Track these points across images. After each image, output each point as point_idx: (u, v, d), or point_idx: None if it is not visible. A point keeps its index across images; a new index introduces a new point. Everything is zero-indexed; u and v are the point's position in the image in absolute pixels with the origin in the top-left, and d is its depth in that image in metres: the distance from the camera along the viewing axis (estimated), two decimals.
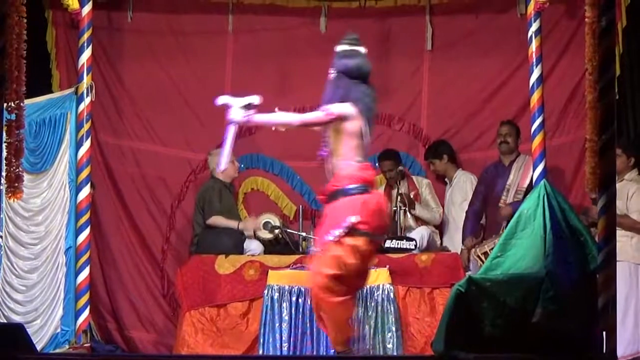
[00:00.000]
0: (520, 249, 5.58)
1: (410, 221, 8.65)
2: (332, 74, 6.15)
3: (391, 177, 8.76)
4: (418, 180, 8.95)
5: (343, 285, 5.87)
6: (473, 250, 8.16)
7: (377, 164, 8.78)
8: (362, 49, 6.20)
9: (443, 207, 8.94)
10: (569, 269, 5.46)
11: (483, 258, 7.83)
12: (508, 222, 7.83)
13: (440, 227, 8.95)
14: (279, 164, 9.32)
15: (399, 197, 8.51)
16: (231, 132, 5.94)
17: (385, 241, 7.87)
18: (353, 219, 5.85)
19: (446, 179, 9.12)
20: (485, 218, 8.66)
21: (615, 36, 6.36)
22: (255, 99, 5.98)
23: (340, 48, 6.18)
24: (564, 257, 5.48)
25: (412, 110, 9.37)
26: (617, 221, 5.33)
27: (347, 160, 5.99)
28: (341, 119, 5.98)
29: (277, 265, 7.92)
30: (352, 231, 5.86)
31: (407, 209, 8.57)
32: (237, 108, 5.94)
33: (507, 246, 5.66)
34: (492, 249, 7.78)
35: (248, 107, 5.95)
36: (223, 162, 6.08)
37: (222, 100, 5.99)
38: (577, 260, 5.55)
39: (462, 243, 8.60)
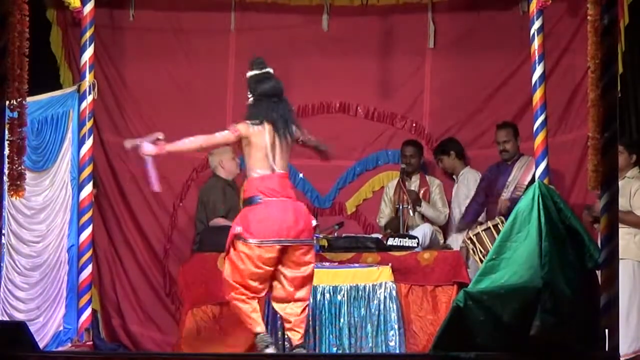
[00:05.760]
0: (516, 255, 5.57)
1: (416, 219, 8.66)
2: (249, 98, 6.81)
3: (410, 164, 8.83)
4: (430, 180, 8.97)
5: (243, 288, 6.60)
6: (465, 233, 8.18)
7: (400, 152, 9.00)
8: (270, 70, 6.87)
9: (450, 204, 8.94)
10: (567, 272, 5.44)
11: (474, 239, 7.88)
12: (504, 214, 7.90)
13: (444, 225, 8.95)
14: None
15: (403, 193, 8.57)
16: (149, 163, 6.65)
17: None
18: (238, 229, 6.59)
19: (454, 176, 9.13)
20: (485, 215, 8.66)
21: (618, 34, 6.37)
22: (160, 135, 6.67)
23: (250, 74, 6.86)
24: (563, 260, 5.47)
25: (415, 108, 9.37)
26: (620, 218, 5.32)
27: (250, 172, 6.69)
28: (247, 135, 6.63)
29: None
30: (239, 239, 6.57)
31: (409, 207, 8.57)
32: (147, 144, 6.61)
33: (503, 249, 5.66)
34: (484, 230, 7.83)
35: (155, 142, 6.63)
36: (155, 184, 6.79)
37: (129, 143, 6.80)
38: (575, 259, 5.54)
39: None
